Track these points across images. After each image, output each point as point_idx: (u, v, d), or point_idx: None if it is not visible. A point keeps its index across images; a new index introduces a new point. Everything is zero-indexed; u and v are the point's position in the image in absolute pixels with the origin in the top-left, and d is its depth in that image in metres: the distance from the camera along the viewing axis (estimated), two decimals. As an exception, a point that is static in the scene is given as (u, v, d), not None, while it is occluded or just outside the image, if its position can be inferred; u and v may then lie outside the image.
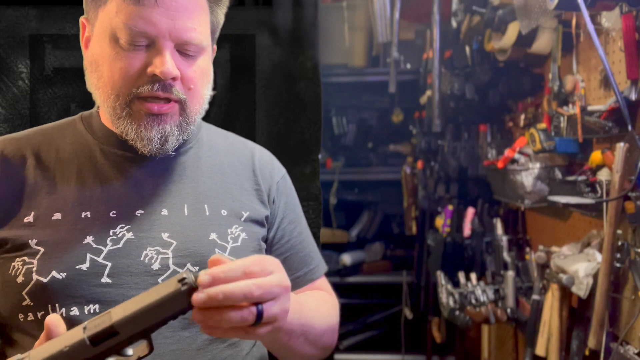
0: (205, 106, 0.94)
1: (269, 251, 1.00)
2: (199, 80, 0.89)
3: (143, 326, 0.66)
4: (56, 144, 0.93)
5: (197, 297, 0.65)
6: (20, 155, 0.91)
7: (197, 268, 0.87)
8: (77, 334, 0.65)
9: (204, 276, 0.66)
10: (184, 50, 0.86)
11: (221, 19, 0.94)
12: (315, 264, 1.07)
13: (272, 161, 1.08)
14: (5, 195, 0.88)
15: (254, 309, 0.67)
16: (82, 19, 0.91)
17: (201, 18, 0.87)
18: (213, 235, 0.90)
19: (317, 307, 0.97)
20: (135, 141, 0.87)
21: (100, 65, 0.86)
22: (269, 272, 0.70)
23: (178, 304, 0.66)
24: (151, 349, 0.68)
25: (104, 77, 0.86)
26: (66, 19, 1.38)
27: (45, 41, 1.39)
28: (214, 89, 0.97)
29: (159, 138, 0.87)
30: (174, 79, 0.84)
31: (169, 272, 0.86)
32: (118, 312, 0.66)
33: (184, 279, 0.66)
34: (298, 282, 1.03)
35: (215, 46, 0.97)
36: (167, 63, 0.83)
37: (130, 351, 0.68)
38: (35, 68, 1.39)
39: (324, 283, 1.09)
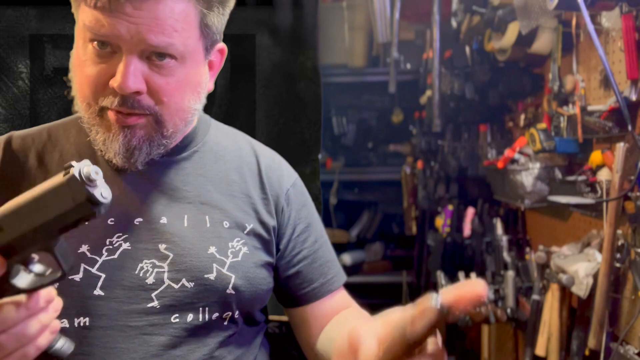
0: (194, 115, 0.88)
1: (281, 262, 0.96)
2: (175, 92, 0.81)
3: (31, 224, 0.58)
4: (61, 144, 0.91)
5: None
6: (24, 154, 0.89)
7: (192, 284, 0.84)
8: None
9: None
10: (155, 58, 0.78)
11: (218, 22, 0.84)
12: (333, 274, 1.01)
13: (282, 167, 1.01)
14: (3, 195, 0.86)
15: None
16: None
17: (177, 23, 0.78)
18: (212, 249, 0.86)
19: None
20: (104, 152, 0.83)
21: (74, 69, 0.82)
22: None
23: (64, 200, 0.57)
24: (62, 270, 0.62)
25: (76, 83, 0.82)
26: (66, 19, 1.38)
27: (45, 41, 1.39)
28: (215, 89, 0.95)
29: (124, 152, 0.82)
30: (137, 92, 0.78)
31: (163, 286, 0.83)
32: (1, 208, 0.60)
33: (69, 167, 0.58)
34: (315, 293, 0.98)
35: (224, 47, 0.90)
36: (126, 76, 0.76)
37: (37, 267, 0.63)
38: (35, 68, 1.39)
39: (344, 297, 1.03)
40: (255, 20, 1.46)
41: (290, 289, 0.98)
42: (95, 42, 0.77)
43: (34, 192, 0.59)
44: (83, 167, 0.57)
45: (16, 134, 0.92)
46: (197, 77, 0.85)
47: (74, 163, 0.57)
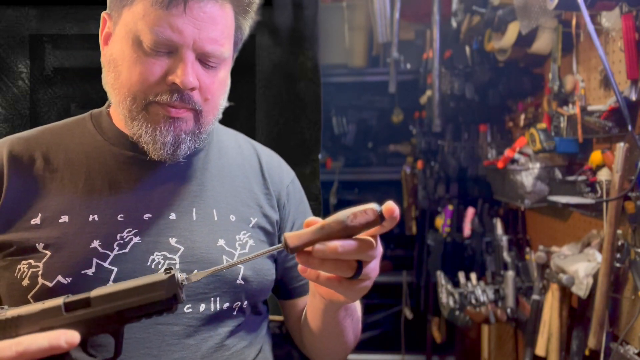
0: (219, 116, 0.93)
1: (280, 254, 0.99)
2: (217, 92, 0.88)
3: (117, 307, 0.68)
4: (65, 144, 0.92)
5: (318, 247, 0.67)
6: (29, 155, 0.90)
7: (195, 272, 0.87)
8: (59, 298, 0.69)
9: (319, 246, 0.67)
10: (205, 60, 0.85)
11: (246, 31, 0.92)
12: None
13: (281, 165, 1.07)
14: (13, 196, 0.87)
15: (354, 263, 0.70)
16: (104, 14, 0.90)
17: (226, 30, 0.86)
18: (221, 242, 0.90)
19: None
20: (148, 144, 0.86)
21: (119, 65, 0.85)
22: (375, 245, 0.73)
23: (157, 292, 0.68)
24: (117, 352, 0.69)
25: (121, 78, 0.85)
26: (66, 19, 1.38)
27: (45, 41, 1.39)
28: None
29: (173, 143, 0.86)
30: (192, 89, 0.84)
31: None
32: (100, 289, 0.69)
33: (170, 269, 0.69)
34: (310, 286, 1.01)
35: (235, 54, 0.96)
36: (189, 74, 0.82)
37: (92, 350, 0.70)
38: (35, 68, 1.39)
39: None
40: (255, 20, 1.47)
41: (287, 282, 1.02)
42: (153, 41, 0.81)
43: (132, 282, 0.69)
44: (178, 273, 0.69)
45: (15, 137, 0.93)
46: (228, 79, 0.92)
47: (174, 268, 0.70)
